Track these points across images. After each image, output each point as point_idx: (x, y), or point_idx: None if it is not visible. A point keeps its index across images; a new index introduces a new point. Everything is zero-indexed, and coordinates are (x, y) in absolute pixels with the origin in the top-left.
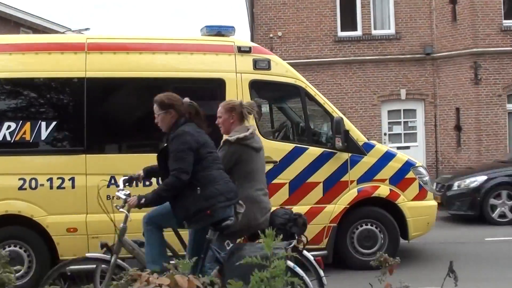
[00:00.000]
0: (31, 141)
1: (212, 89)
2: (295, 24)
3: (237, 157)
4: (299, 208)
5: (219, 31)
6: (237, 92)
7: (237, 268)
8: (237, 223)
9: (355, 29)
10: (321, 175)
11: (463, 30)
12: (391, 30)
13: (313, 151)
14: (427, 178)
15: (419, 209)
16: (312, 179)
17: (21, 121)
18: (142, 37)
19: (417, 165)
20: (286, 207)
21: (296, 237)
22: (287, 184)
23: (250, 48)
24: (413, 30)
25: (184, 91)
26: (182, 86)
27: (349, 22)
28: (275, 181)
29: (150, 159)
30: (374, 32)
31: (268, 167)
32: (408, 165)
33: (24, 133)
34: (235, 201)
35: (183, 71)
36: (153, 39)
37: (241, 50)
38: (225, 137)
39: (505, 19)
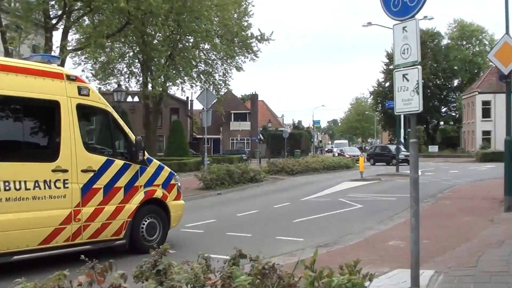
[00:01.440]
0: None
1: (50, 108)
2: None
3: None
4: (110, 207)
5: (49, 59)
6: (69, 113)
7: None
8: None
9: None
10: (123, 181)
11: None
12: None
13: (118, 163)
14: (180, 184)
15: (177, 206)
16: (117, 184)
17: None
18: None
19: (175, 174)
20: None
21: None
22: (102, 188)
23: (75, 77)
24: None
25: (27, 110)
26: (25, 104)
27: None
28: (94, 186)
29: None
30: None
31: (90, 175)
32: (171, 174)
33: None
34: None
35: (26, 91)
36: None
37: (69, 78)
38: None
39: None
